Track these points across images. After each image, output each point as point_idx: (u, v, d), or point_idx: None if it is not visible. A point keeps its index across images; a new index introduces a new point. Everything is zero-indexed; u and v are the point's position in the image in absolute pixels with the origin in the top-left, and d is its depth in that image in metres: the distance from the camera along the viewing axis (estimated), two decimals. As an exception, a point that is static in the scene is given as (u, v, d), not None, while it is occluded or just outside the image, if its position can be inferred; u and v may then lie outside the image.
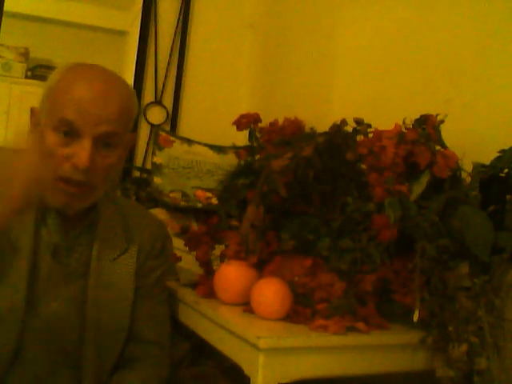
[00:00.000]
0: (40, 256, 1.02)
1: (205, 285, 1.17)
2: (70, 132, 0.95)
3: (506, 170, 1.00)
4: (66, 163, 0.96)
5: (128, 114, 1.02)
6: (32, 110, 1.02)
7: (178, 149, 1.69)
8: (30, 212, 1.01)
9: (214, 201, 1.57)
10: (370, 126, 1.10)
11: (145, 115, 1.98)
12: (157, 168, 1.63)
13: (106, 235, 1.08)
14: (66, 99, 0.96)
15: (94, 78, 0.99)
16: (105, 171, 0.99)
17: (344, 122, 1.12)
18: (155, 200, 1.59)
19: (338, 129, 1.12)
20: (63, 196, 0.98)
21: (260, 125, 1.43)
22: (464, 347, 0.92)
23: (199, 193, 1.61)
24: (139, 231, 1.13)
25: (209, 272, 1.20)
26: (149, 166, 1.80)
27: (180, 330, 1.21)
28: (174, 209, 1.58)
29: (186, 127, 2.02)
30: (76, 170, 0.95)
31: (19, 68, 2.42)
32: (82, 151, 0.94)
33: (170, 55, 2.01)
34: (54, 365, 1.02)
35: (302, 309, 1.01)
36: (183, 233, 1.34)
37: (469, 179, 1.04)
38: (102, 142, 0.97)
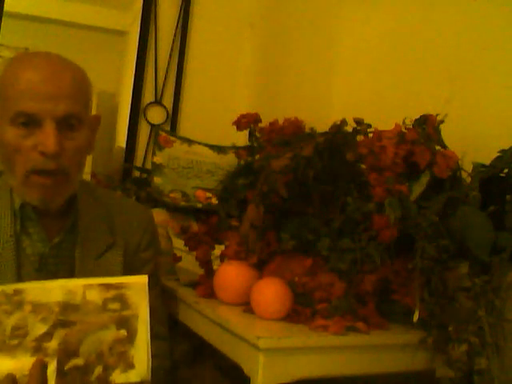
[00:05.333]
0: (25, 269, 0.98)
1: (205, 285, 1.17)
2: (29, 122, 0.91)
3: (506, 170, 1.00)
4: (34, 154, 0.92)
5: (84, 92, 0.97)
6: None
7: (177, 149, 1.69)
8: (8, 224, 0.98)
9: (214, 201, 1.57)
10: (370, 126, 1.10)
11: (145, 115, 1.98)
12: (157, 168, 1.63)
13: (89, 233, 1.03)
14: (15, 90, 0.91)
15: (40, 61, 0.95)
16: (75, 155, 0.95)
17: (344, 122, 1.12)
18: (155, 200, 1.59)
19: (338, 129, 1.12)
20: (40, 189, 0.94)
21: (260, 125, 1.43)
22: (464, 347, 0.92)
23: (199, 193, 1.61)
24: (124, 223, 1.09)
25: (209, 272, 1.20)
26: (149, 165, 1.80)
27: (180, 330, 1.21)
28: (173, 209, 1.58)
29: (186, 127, 2.02)
30: (46, 159, 0.91)
31: (19, 68, 2.41)
32: (46, 137, 0.90)
33: (170, 55, 2.01)
34: None
35: (302, 309, 1.01)
36: (183, 233, 1.33)
37: (469, 179, 1.04)
38: (65, 124, 0.93)
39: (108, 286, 0.81)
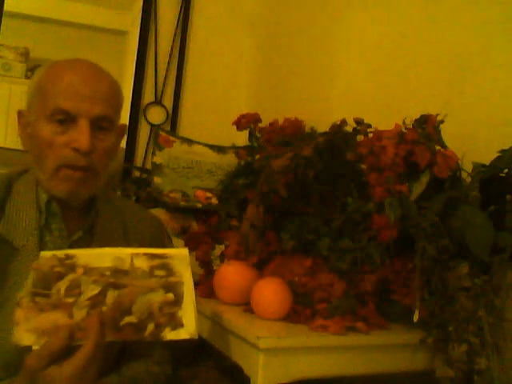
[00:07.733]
0: None
1: (205, 285, 1.17)
2: (65, 119, 0.95)
3: (506, 170, 1.00)
4: (66, 150, 0.95)
5: (118, 98, 1.02)
6: (20, 113, 1.01)
7: (177, 149, 1.69)
8: (34, 218, 1.00)
9: (214, 201, 1.57)
10: (369, 126, 1.10)
11: (145, 115, 1.98)
12: (157, 168, 1.63)
13: (105, 235, 1.06)
14: (55, 89, 0.95)
15: (80, 65, 1.00)
16: (104, 155, 0.99)
17: (344, 122, 1.12)
18: (155, 200, 1.59)
19: (338, 129, 1.12)
20: (69, 182, 0.97)
21: (260, 125, 1.43)
22: (464, 347, 0.92)
23: (199, 193, 1.61)
24: (138, 232, 1.11)
25: (209, 272, 1.21)
26: (149, 166, 1.80)
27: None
28: (173, 209, 1.58)
29: (186, 127, 2.02)
30: (78, 155, 0.95)
31: (19, 68, 2.42)
32: (81, 135, 0.94)
33: (170, 55, 2.01)
34: None
35: (302, 309, 1.01)
36: (183, 233, 1.33)
37: (469, 179, 1.04)
38: (98, 125, 0.97)
39: (153, 256, 0.86)
